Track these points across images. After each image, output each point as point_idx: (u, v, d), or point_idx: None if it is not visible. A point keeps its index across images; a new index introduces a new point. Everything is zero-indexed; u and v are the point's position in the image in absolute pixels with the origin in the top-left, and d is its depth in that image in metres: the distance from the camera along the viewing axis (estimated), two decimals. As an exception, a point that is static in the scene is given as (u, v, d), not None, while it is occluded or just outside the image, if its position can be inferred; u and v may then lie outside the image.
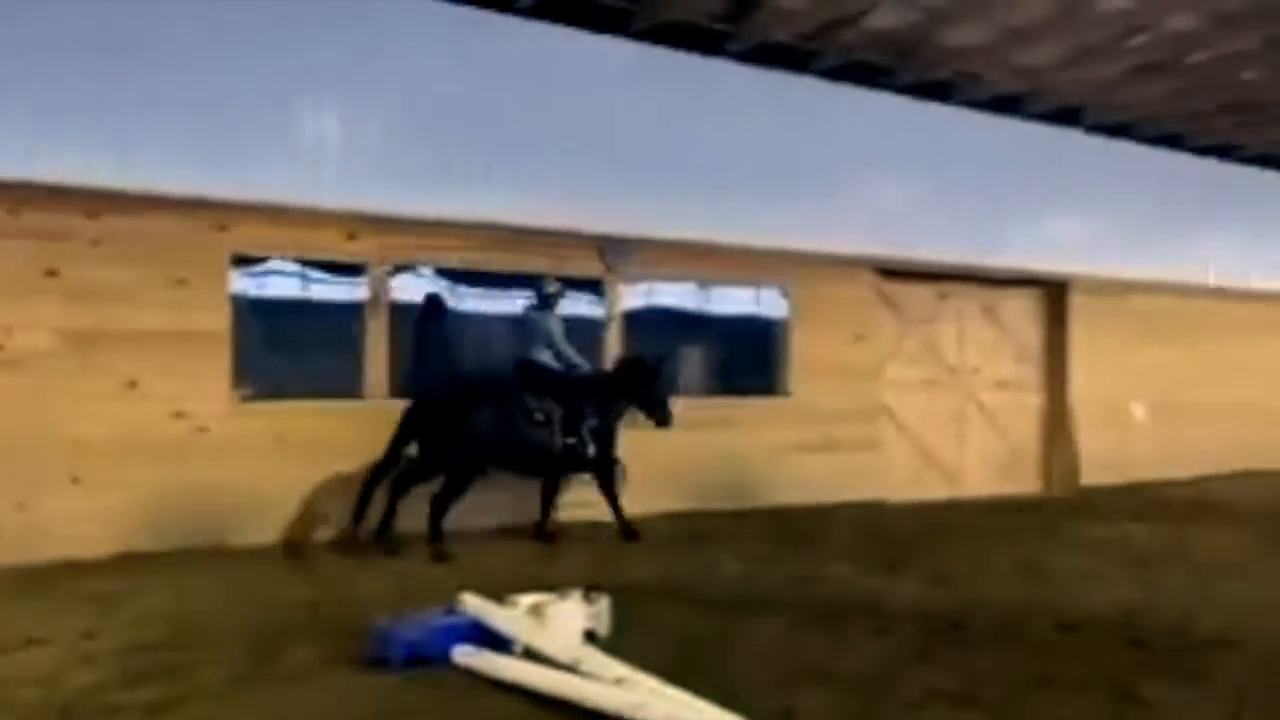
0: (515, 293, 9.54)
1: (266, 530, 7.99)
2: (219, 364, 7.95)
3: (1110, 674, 4.78)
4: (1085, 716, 4.29)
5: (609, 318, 9.73)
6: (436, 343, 9.37)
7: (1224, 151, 14.37)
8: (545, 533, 8.43)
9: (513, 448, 8.02)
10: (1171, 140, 13.83)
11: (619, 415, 8.56)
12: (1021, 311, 12.76)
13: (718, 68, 10.23)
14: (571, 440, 8.24)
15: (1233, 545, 8.42)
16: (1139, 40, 10.57)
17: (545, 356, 8.55)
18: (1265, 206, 15.13)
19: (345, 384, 8.56)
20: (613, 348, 9.68)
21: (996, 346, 12.55)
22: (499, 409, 7.98)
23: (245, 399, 8.06)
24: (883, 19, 9.81)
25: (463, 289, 9.75)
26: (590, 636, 5.20)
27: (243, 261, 8.21)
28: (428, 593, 5.87)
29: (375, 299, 8.63)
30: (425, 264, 9.18)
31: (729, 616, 5.90)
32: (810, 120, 10.85)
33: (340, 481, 8.10)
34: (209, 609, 5.93)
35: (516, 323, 8.96)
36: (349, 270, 8.64)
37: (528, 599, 5.18)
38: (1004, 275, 12.33)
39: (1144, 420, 13.21)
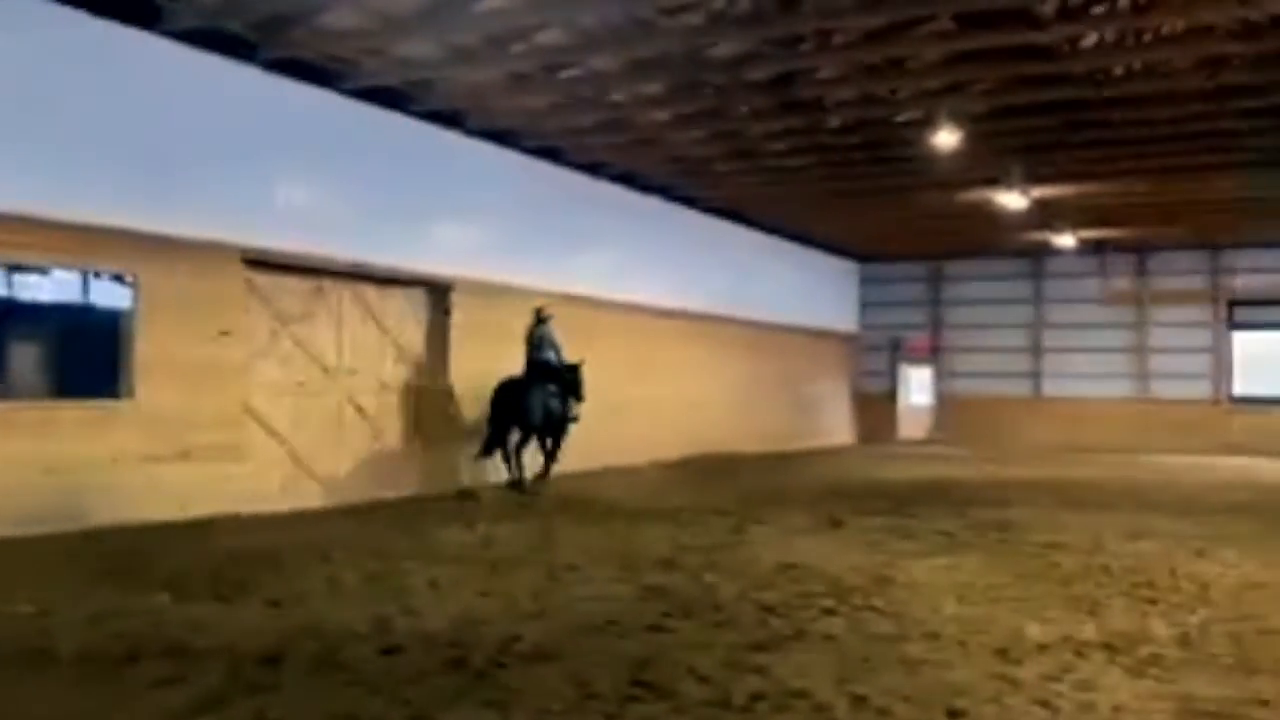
0: None
1: None
2: None
3: (418, 702, 4.38)
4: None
5: None
6: None
7: (596, 168, 15.36)
8: (544, 476, 12.68)
9: (548, 415, 12.37)
10: (552, 153, 14.46)
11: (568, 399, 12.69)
12: (404, 312, 12.50)
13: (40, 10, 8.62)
14: (567, 410, 12.63)
15: (587, 544, 8.68)
16: (518, 48, 10.73)
17: (550, 356, 12.60)
18: (629, 223, 16.50)
19: None
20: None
21: (378, 347, 12.16)
22: (540, 393, 12.23)
23: None
24: (241, -18, 8.91)
25: None
26: None
27: None
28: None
29: None
30: None
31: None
32: (163, 88, 9.61)
33: None
34: None
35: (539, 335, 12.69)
36: None
37: None
38: (387, 274, 11.98)
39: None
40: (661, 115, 13.09)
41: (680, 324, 17.55)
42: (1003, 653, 5.35)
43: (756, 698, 4.59)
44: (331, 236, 11.17)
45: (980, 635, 5.72)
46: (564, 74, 11.65)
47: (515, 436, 12.36)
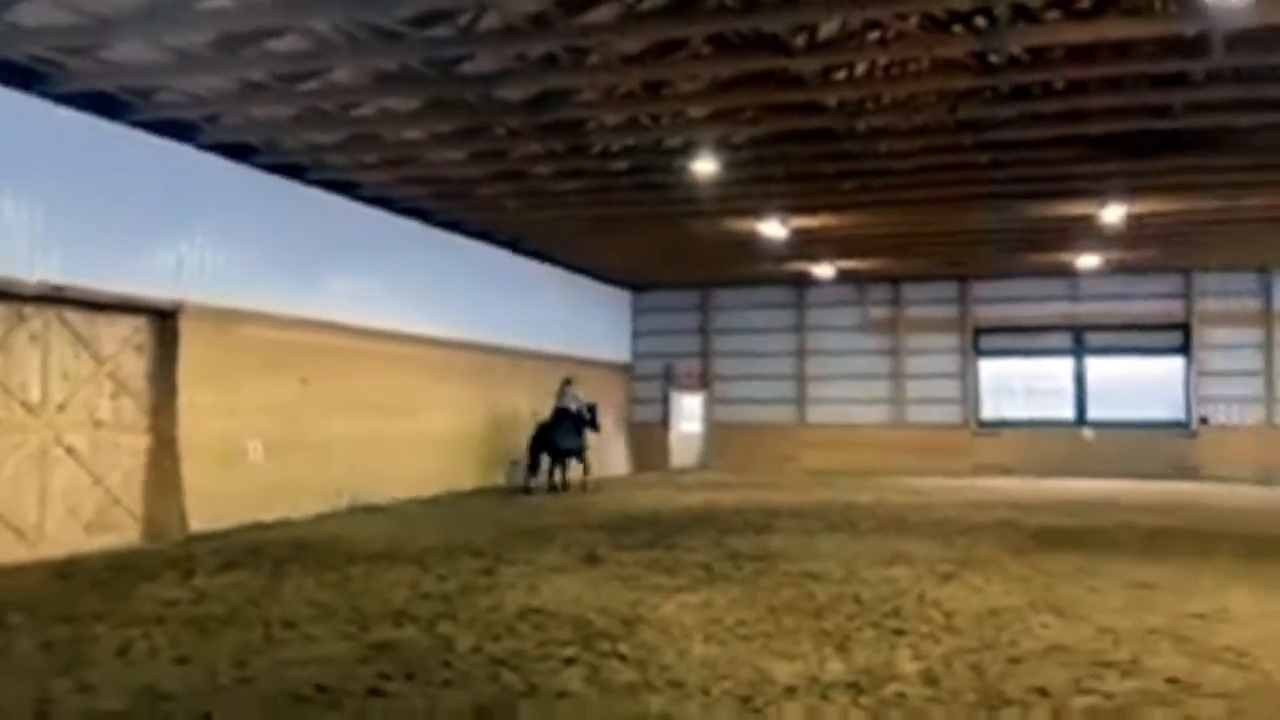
0: None
1: None
2: None
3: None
4: None
5: None
6: None
7: (347, 188, 14.50)
8: (559, 488, 17.75)
9: (569, 446, 17.81)
10: (296, 170, 13.52)
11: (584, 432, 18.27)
12: (125, 340, 11.28)
13: None
14: (582, 442, 18.08)
15: (316, 595, 7.88)
16: (249, 54, 9.85)
17: (571, 405, 17.98)
18: (388, 247, 15.71)
19: None
20: None
21: (93, 380, 10.90)
22: (564, 429, 17.71)
23: None
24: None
25: None
26: None
27: None
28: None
29: None
30: None
31: None
32: None
33: None
34: None
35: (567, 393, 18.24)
36: None
37: None
38: (100, 298, 10.78)
39: (260, 458, 12.57)
40: (414, 133, 12.44)
41: (446, 353, 16.86)
42: (747, 700, 5.03)
43: (470, 774, 4.06)
44: (31, 257, 9.93)
45: (726, 680, 5.39)
46: (303, 85, 10.84)
47: (547, 461, 17.76)
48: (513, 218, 17.07)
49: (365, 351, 14.75)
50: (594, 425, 18.44)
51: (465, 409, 17.51)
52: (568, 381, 18.40)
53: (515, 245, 19.30)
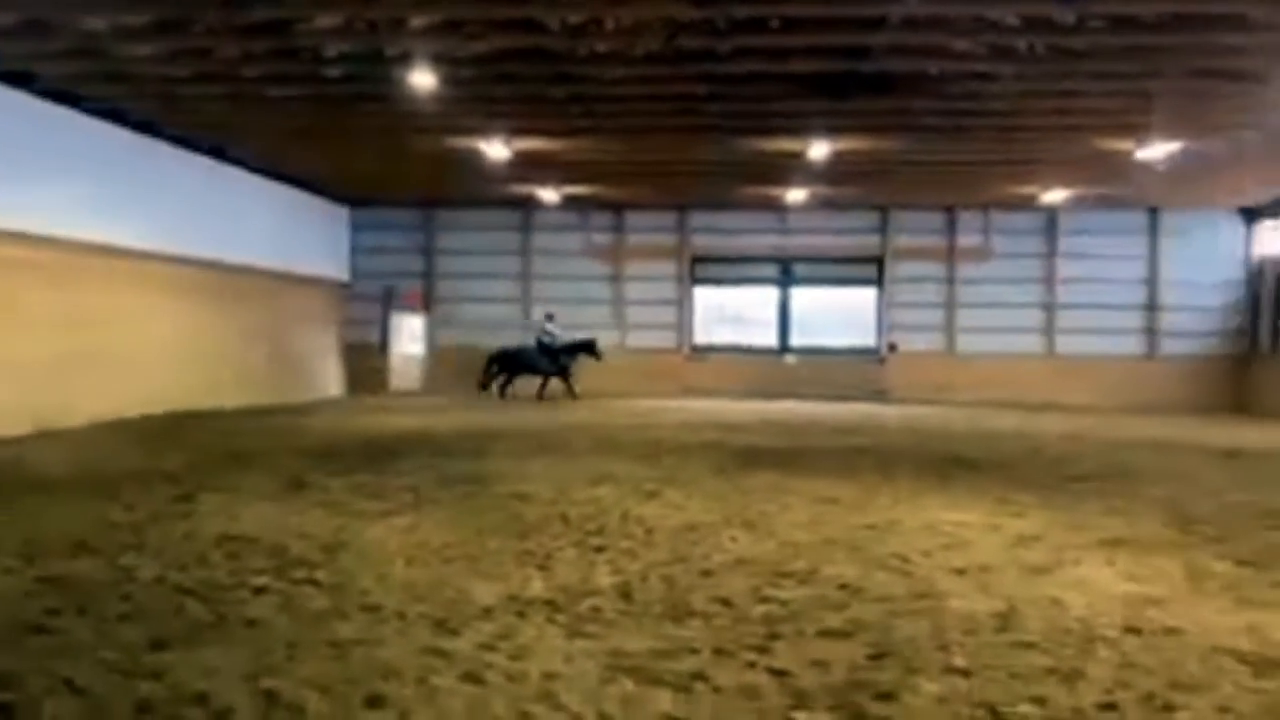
0: None
1: None
2: None
3: None
4: None
5: None
6: None
7: (25, 81, 13.05)
8: (542, 397, 21.97)
9: (534, 365, 22.08)
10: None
11: (575, 357, 22.21)
12: None
13: None
14: (556, 365, 22.06)
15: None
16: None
17: (548, 339, 22.14)
18: (77, 151, 14.36)
19: None
20: None
21: None
22: (529, 353, 22.17)
23: None
24: None
25: None
26: None
27: None
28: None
29: None
30: None
31: None
32: None
33: None
34: None
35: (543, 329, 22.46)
36: None
37: None
38: None
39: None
40: (98, 24, 11.30)
41: (143, 267, 15.69)
42: (442, 623, 5.03)
43: (141, 710, 3.85)
44: None
45: (423, 603, 5.37)
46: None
47: (503, 378, 22.00)
48: (218, 123, 15.98)
49: (50, 264, 13.52)
50: (596, 355, 22.14)
51: (172, 325, 16.42)
52: (550, 317, 22.58)
53: (221, 153, 18.11)
